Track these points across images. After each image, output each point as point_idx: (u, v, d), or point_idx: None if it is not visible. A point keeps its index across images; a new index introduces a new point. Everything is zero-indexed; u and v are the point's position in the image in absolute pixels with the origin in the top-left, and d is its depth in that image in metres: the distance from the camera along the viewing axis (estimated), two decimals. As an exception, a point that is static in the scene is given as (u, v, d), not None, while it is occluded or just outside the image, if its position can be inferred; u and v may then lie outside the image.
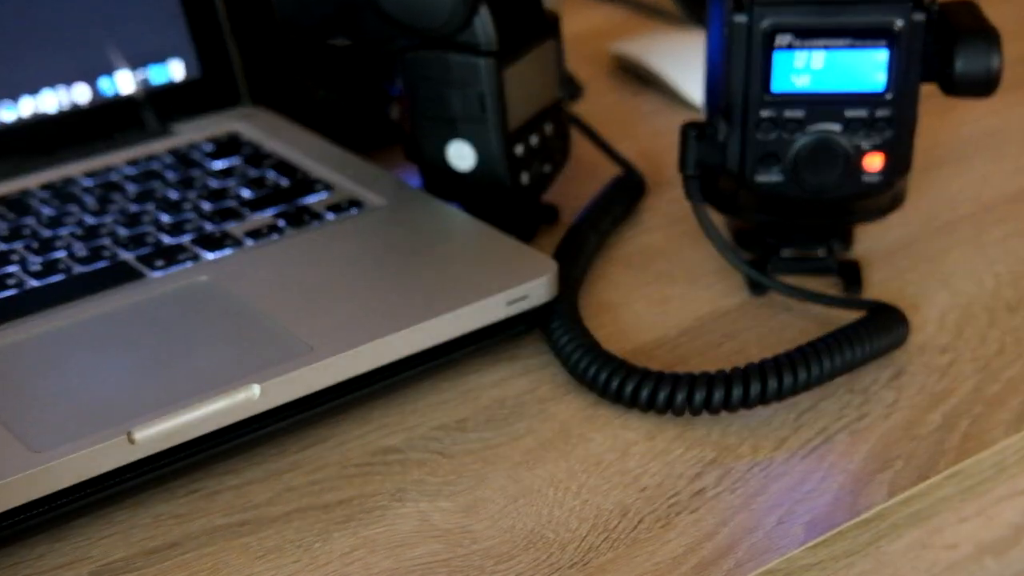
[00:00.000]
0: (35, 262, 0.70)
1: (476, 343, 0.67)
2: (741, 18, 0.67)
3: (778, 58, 0.68)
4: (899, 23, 0.66)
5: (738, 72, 0.69)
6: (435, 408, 0.66)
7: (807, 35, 0.67)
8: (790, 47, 0.68)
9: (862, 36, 0.67)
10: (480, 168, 0.74)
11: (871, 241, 0.79)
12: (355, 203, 0.75)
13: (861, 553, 0.61)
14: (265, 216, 0.74)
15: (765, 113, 0.69)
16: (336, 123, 0.86)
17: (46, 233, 0.73)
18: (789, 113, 0.69)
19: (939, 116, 0.91)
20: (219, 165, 0.79)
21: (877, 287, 0.75)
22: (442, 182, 0.76)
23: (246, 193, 0.76)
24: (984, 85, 0.68)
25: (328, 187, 0.77)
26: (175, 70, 0.83)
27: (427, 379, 0.67)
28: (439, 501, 0.61)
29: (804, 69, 0.68)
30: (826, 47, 0.67)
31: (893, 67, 0.67)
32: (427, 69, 0.73)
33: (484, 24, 0.71)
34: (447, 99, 0.73)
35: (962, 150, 0.89)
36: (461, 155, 0.74)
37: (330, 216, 0.74)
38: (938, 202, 0.83)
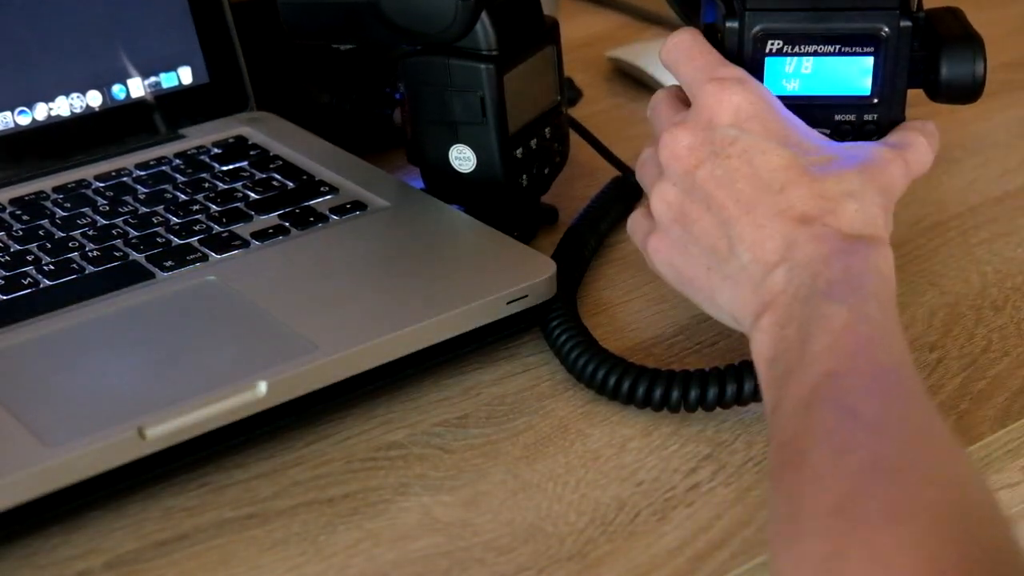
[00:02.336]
0: (49, 262, 0.70)
1: (477, 341, 0.68)
2: (733, 24, 0.67)
3: (769, 63, 0.67)
4: (885, 30, 0.66)
5: (731, 77, 0.69)
6: (437, 404, 0.66)
7: (797, 41, 0.67)
8: (780, 52, 0.67)
9: (849, 42, 0.66)
10: (481, 170, 0.74)
11: (862, 242, 0.80)
12: (359, 205, 0.75)
13: (850, 545, 0.62)
14: (271, 217, 0.74)
15: (757, 117, 0.69)
16: (340, 127, 0.86)
17: (60, 234, 0.73)
18: (780, 117, 0.68)
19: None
20: (226, 168, 0.79)
21: (867, 286, 0.76)
22: (444, 184, 0.76)
23: (253, 195, 0.76)
24: (969, 92, 0.67)
25: (333, 189, 0.77)
26: (185, 76, 0.83)
27: (429, 376, 0.68)
28: (441, 495, 0.61)
29: (794, 74, 0.67)
30: (815, 53, 0.67)
31: (879, 72, 0.67)
32: (429, 74, 0.73)
33: (485, 30, 0.72)
34: (449, 103, 0.73)
35: (949, 154, 0.88)
36: (462, 158, 0.74)
37: (334, 218, 0.74)
38: (926, 204, 0.83)
